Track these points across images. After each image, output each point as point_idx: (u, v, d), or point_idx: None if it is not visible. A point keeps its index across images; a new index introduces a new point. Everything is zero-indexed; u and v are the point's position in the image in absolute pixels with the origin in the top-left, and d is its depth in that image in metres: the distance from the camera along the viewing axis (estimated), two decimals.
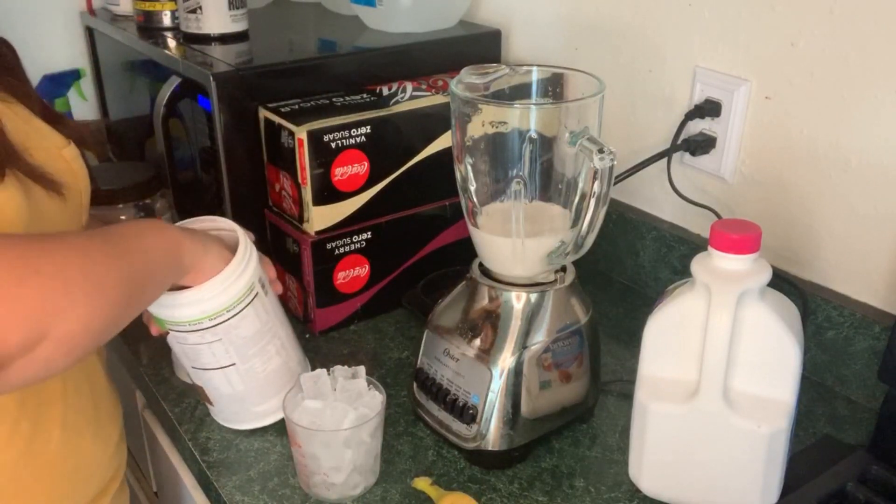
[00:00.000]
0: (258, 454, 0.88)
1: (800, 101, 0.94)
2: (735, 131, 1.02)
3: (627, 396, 0.84)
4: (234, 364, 0.82)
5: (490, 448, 0.84)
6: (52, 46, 1.51)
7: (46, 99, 0.79)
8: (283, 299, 0.90)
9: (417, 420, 0.92)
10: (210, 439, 0.90)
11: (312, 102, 1.06)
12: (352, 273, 1.08)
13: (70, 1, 1.50)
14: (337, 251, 1.05)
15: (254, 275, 0.80)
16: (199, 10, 1.18)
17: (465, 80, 0.83)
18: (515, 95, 0.86)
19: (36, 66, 0.84)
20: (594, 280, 1.21)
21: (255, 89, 1.06)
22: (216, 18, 1.19)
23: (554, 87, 0.87)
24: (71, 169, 0.76)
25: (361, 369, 0.85)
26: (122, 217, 1.21)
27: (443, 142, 1.09)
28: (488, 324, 0.84)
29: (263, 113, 1.05)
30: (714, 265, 0.73)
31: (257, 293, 0.81)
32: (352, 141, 1.01)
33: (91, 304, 0.60)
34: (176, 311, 0.77)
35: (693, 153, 1.06)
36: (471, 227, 0.86)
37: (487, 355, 0.83)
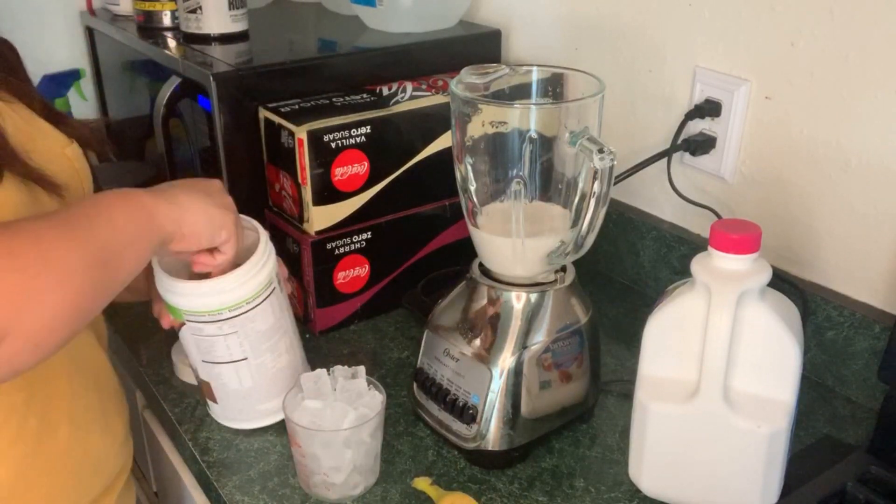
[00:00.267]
0: (258, 454, 0.88)
1: (800, 101, 0.95)
2: (735, 131, 1.02)
3: (627, 396, 0.84)
4: (246, 358, 0.83)
5: (490, 448, 0.84)
6: (53, 46, 1.51)
7: (46, 99, 0.80)
8: (289, 303, 0.90)
9: (417, 420, 0.92)
10: (210, 439, 0.90)
11: (312, 102, 1.06)
12: (352, 273, 1.08)
13: (70, 1, 1.50)
14: (337, 251, 1.05)
15: (273, 269, 0.82)
16: (199, 10, 1.18)
17: (465, 80, 0.83)
18: (515, 95, 0.86)
19: (36, 66, 0.84)
20: (594, 280, 1.21)
21: (255, 89, 1.06)
22: (216, 18, 1.19)
23: (554, 87, 0.87)
24: (74, 168, 0.76)
25: (361, 369, 0.85)
26: None
27: (443, 142, 1.09)
28: (488, 324, 0.84)
29: (263, 113, 1.05)
30: (714, 265, 0.73)
31: (274, 288, 0.82)
32: (352, 141, 1.01)
33: (56, 292, 0.57)
34: (197, 300, 0.78)
35: (693, 153, 1.06)
36: (471, 227, 0.86)
37: (487, 355, 0.83)
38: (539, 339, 0.83)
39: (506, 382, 0.82)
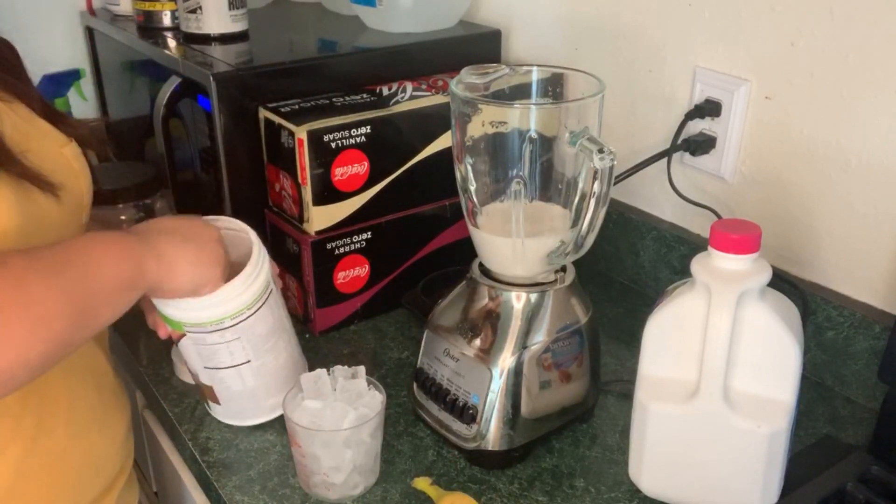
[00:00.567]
0: (258, 454, 0.88)
1: (800, 100, 0.95)
2: (735, 131, 1.02)
3: (627, 396, 0.84)
4: (248, 361, 0.83)
5: (490, 448, 0.84)
6: (52, 46, 1.51)
7: (46, 99, 0.80)
8: (283, 299, 0.90)
9: (417, 420, 0.92)
10: (210, 439, 0.90)
11: (312, 102, 1.06)
12: (352, 273, 1.08)
13: (70, 1, 1.50)
14: (337, 251, 1.05)
15: (269, 272, 0.82)
16: (199, 10, 1.18)
17: (465, 80, 0.83)
18: (515, 95, 0.86)
19: (36, 66, 0.84)
20: (594, 280, 1.21)
21: (255, 89, 1.06)
22: (216, 18, 1.19)
23: (554, 87, 0.87)
24: (71, 167, 0.76)
25: (361, 369, 0.85)
26: (122, 217, 1.21)
27: (443, 142, 1.09)
28: (488, 324, 0.84)
29: (263, 113, 1.05)
30: (714, 265, 0.73)
31: (271, 290, 0.83)
32: (352, 141, 1.01)
33: (28, 339, 0.56)
34: (198, 313, 0.78)
35: (693, 153, 1.06)
36: (471, 227, 0.86)
37: (487, 355, 0.83)
38: (539, 339, 0.83)
39: (506, 382, 0.82)
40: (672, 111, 1.09)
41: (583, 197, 0.81)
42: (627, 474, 0.82)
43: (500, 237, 0.83)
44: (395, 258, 1.11)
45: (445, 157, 1.09)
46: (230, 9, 1.19)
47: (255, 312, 0.80)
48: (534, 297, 0.84)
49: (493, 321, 0.84)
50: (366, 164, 1.04)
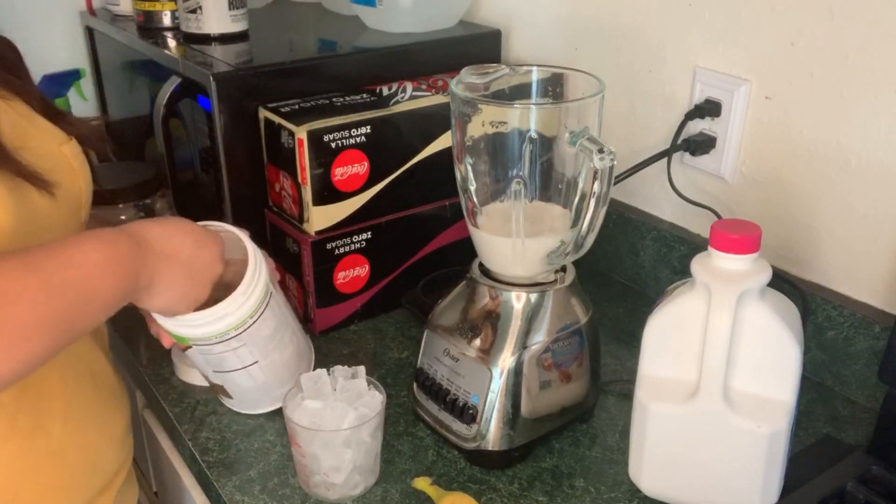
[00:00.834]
0: (258, 454, 0.88)
1: (800, 101, 0.94)
2: (735, 131, 1.02)
3: (627, 396, 0.84)
4: (256, 362, 0.84)
5: (490, 448, 0.84)
6: (52, 46, 1.51)
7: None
8: (282, 293, 0.90)
9: (417, 420, 0.92)
10: (210, 439, 0.90)
11: (312, 102, 1.06)
12: (352, 273, 1.08)
13: (70, 1, 1.50)
14: (337, 251, 1.05)
15: (267, 275, 0.81)
16: (199, 10, 1.18)
17: (465, 80, 0.83)
18: (515, 95, 0.86)
19: (36, 66, 0.84)
20: (594, 280, 1.21)
21: (255, 89, 1.06)
22: (216, 18, 1.19)
23: (554, 87, 0.87)
24: (70, 166, 0.75)
25: (361, 369, 0.85)
26: (122, 217, 1.21)
27: (443, 142, 1.09)
28: (488, 324, 0.84)
29: (263, 113, 1.05)
30: (714, 265, 0.73)
31: (272, 292, 0.82)
32: (352, 141, 1.01)
33: (8, 351, 0.55)
34: (203, 329, 0.78)
35: (693, 153, 1.06)
36: (471, 227, 0.86)
37: (487, 355, 0.83)
38: (539, 339, 0.83)
39: (506, 382, 0.82)
40: (672, 111, 1.09)
41: (583, 197, 0.81)
42: (627, 474, 0.82)
43: (500, 237, 0.83)
44: (395, 258, 1.11)
45: (445, 157, 1.09)
46: (230, 9, 1.19)
47: (258, 319, 0.80)
48: (534, 297, 0.84)
49: (493, 321, 0.84)
50: (366, 164, 1.04)
